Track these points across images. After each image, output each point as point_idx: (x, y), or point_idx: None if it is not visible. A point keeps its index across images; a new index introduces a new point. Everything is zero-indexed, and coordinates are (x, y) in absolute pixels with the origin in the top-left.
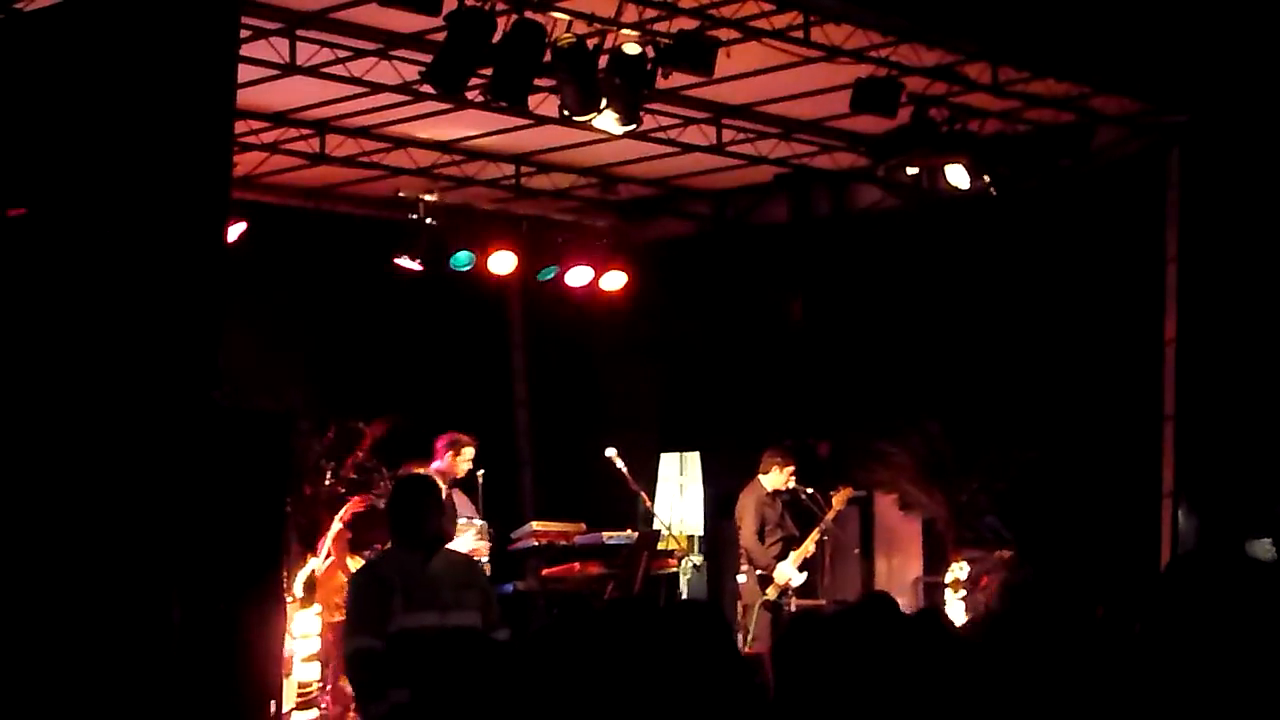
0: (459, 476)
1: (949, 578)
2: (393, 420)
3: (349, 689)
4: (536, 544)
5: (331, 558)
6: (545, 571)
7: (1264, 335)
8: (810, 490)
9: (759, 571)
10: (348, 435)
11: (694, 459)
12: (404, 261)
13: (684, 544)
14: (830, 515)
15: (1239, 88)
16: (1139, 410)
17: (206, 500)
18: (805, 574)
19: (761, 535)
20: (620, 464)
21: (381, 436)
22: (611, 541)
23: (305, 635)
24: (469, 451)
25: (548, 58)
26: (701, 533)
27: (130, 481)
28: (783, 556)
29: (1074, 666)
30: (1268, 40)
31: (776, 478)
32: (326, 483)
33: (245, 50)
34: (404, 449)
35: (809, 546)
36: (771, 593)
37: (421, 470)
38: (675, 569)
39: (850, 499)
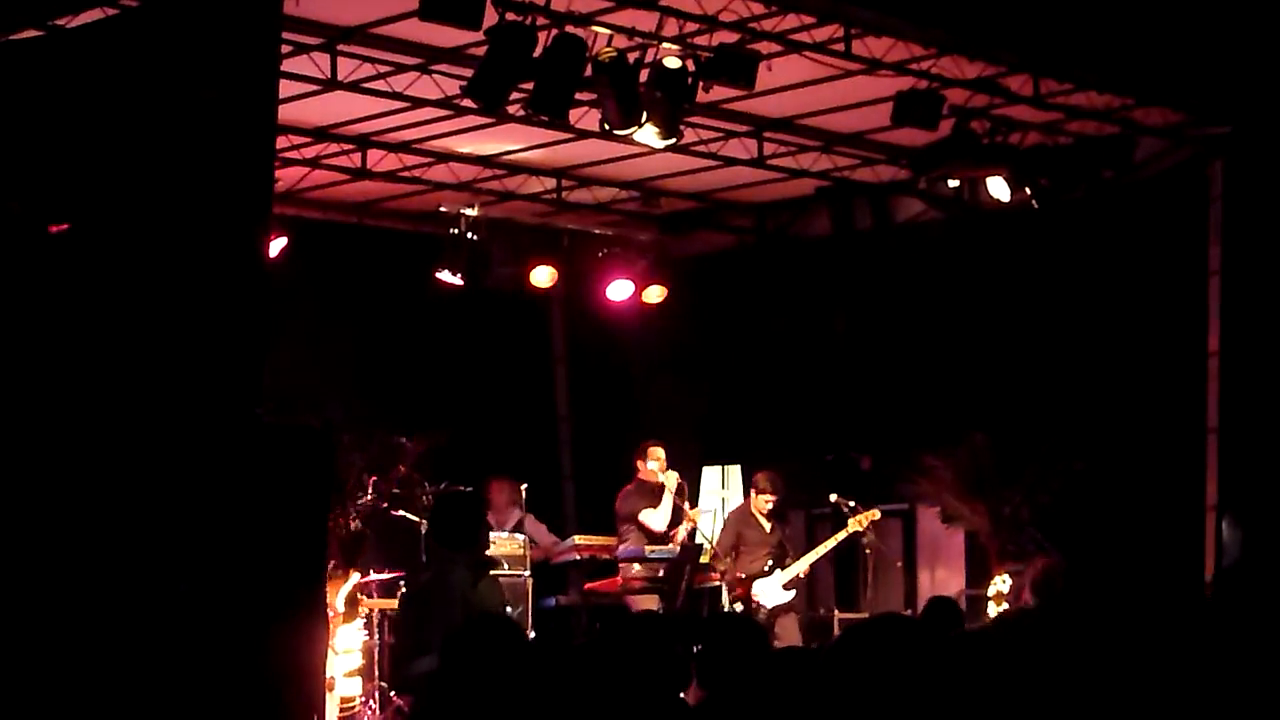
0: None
1: (992, 590)
2: (435, 434)
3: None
4: (578, 557)
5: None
6: (587, 585)
7: None
8: (852, 504)
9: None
10: (390, 450)
11: (736, 472)
12: (445, 276)
13: None
14: (842, 535)
15: None
16: (1182, 423)
17: (248, 516)
18: (792, 593)
19: (737, 551)
20: (664, 478)
21: (423, 451)
22: (654, 555)
23: (348, 650)
24: (656, 452)
25: (588, 72)
26: None
27: (171, 497)
28: (770, 573)
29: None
30: None
31: (754, 499)
32: (368, 498)
33: (287, 65)
34: (446, 463)
35: (805, 564)
36: (738, 605)
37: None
38: (718, 583)
39: (890, 512)
